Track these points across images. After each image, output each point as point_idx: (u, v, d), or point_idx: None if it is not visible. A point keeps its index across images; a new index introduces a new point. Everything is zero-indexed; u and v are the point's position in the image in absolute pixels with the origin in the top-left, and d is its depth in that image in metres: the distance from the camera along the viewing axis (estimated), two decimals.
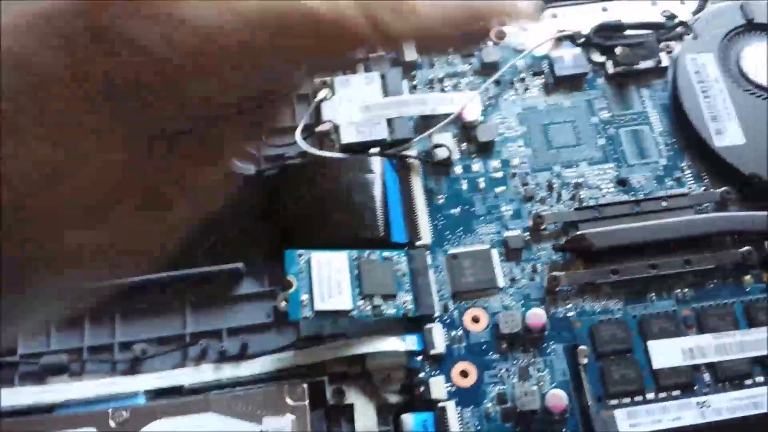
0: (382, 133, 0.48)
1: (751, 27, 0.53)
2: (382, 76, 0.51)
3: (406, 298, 0.43)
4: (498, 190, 0.48)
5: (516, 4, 0.29)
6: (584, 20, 0.53)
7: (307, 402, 0.40)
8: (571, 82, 0.52)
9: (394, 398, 0.41)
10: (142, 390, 0.41)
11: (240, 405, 0.40)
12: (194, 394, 0.41)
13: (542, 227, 0.46)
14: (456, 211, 0.47)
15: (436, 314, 0.43)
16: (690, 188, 0.48)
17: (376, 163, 0.46)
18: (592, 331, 0.43)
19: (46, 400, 0.41)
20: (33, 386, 0.42)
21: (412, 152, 0.48)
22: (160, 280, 0.44)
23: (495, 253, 0.45)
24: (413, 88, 0.52)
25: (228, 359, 0.42)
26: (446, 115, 0.49)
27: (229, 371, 0.42)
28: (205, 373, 0.42)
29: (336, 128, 0.49)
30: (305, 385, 0.40)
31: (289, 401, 0.40)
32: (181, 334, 0.44)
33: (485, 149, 0.49)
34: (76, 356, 0.43)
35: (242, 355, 0.42)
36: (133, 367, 0.43)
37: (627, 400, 0.41)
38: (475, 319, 0.44)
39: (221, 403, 0.40)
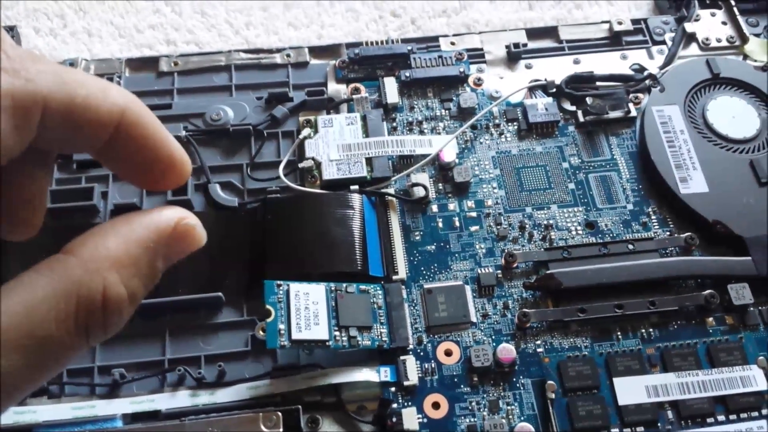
0: (361, 171, 0.50)
1: (717, 81, 0.55)
2: (363, 117, 0.53)
3: (381, 331, 0.44)
4: (472, 228, 0.49)
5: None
6: (557, 71, 0.56)
7: (281, 430, 0.41)
8: (544, 129, 0.54)
9: (367, 428, 0.42)
10: (120, 414, 0.42)
11: (216, 431, 0.40)
12: (171, 419, 0.42)
13: (514, 266, 0.48)
14: (432, 247, 0.49)
15: (410, 347, 0.45)
16: (655, 233, 0.50)
17: (356, 200, 0.48)
18: (560, 367, 0.44)
19: (24, 421, 0.41)
20: (12, 407, 0.42)
21: (391, 190, 0.50)
22: (141, 307, 0.44)
23: (468, 289, 0.47)
24: (393, 130, 0.54)
25: (205, 386, 0.43)
26: (424, 156, 0.51)
27: (206, 397, 0.43)
28: (182, 398, 0.43)
29: (318, 165, 0.50)
30: (280, 413, 0.41)
31: (263, 428, 0.41)
32: (159, 360, 0.44)
33: (461, 190, 0.51)
34: (55, 378, 0.43)
35: (219, 382, 0.43)
36: (112, 391, 0.43)
37: None
38: (448, 353, 0.45)
39: (197, 428, 0.40)
